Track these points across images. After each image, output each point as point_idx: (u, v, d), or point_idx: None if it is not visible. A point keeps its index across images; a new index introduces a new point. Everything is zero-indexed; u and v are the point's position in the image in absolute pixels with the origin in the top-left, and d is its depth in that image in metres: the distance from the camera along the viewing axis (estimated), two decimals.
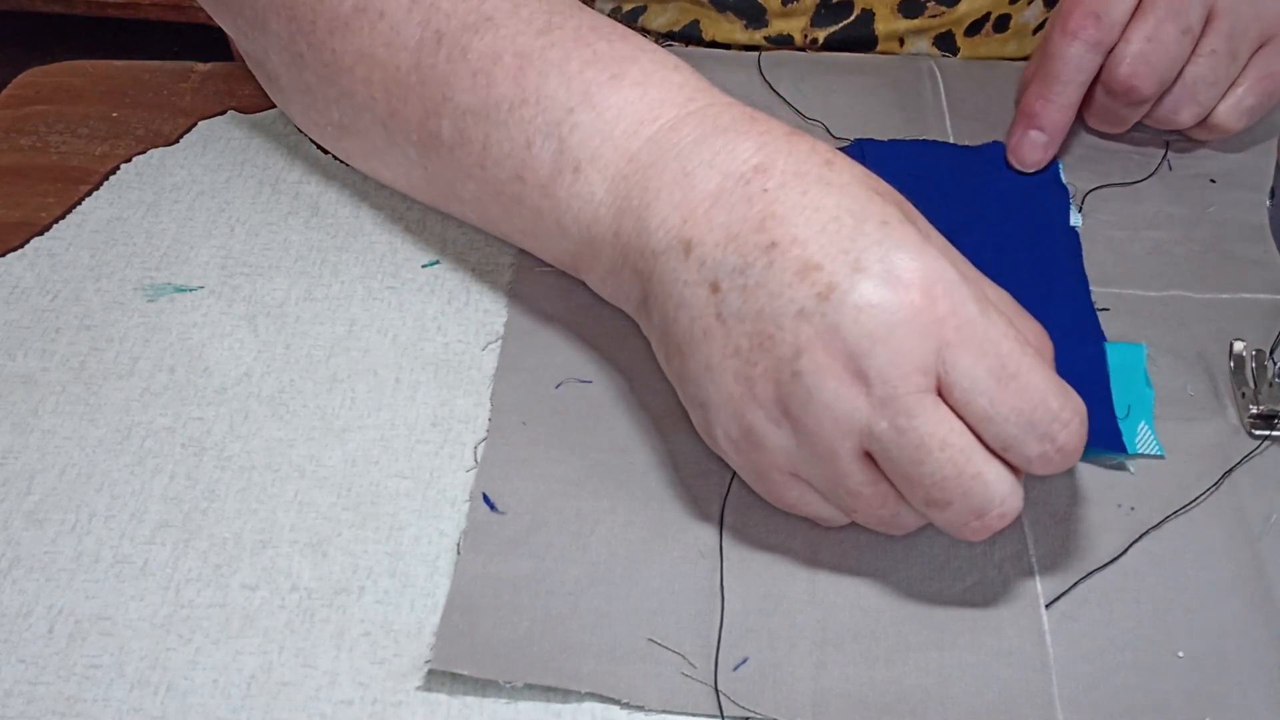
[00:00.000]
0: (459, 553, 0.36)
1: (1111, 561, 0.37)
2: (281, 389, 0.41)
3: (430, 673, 0.34)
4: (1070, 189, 0.49)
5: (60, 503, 0.38)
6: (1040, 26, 0.58)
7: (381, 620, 0.35)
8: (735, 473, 0.37)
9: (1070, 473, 0.39)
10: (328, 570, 0.36)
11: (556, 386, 0.41)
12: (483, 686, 0.34)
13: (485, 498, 0.38)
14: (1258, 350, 0.41)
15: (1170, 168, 0.50)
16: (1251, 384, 0.41)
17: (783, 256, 0.33)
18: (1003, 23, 0.58)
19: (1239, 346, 0.42)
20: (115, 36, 1.75)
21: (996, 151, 0.50)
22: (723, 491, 0.38)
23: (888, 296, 0.32)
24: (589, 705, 0.33)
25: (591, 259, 0.39)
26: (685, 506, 0.38)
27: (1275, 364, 0.40)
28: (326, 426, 0.40)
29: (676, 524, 0.37)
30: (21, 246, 0.46)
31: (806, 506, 0.36)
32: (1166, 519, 0.38)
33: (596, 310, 0.43)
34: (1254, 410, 0.40)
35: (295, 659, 0.34)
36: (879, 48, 0.58)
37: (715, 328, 0.34)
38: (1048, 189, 0.49)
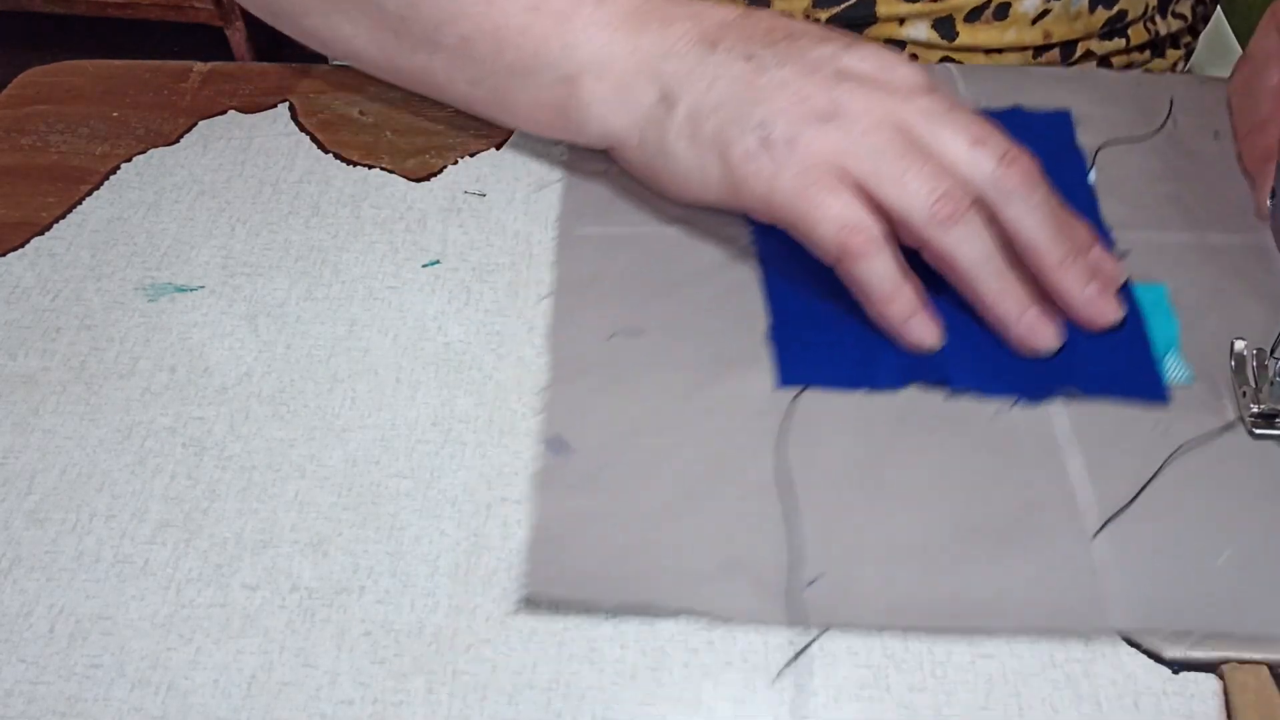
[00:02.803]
0: (534, 490, 0.38)
1: (1154, 477, 0.38)
2: (282, 389, 0.41)
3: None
4: (1082, 148, 0.49)
5: (61, 502, 0.38)
6: (1039, 17, 0.58)
7: (382, 620, 0.35)
8: (792, 408, 0.40)
9: (1108, 395, 0.41)
10: (328, 570, 0.36)
11: (609, 338, 0.42)
12: (482, 687, 0.34)
13: (554, 440, 0.39)
14: (1258, 349, 0.41)
15: (1176, 124, 0.51)
16: (1252, 383, 0.41)
17: (801, 39, 0.42)
18: (1002, 11, 0.58)
19: (1239, 345, 0.42)
20: (115, 36, 1.75)
21: (1015, 117, 0.51)
22: (781, 426, 0.40)
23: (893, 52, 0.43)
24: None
25: (597, 75, 0.44)
26: (745, 441, 0.39)
27: (1276, 363, 0.40)
28: (327, 426, 0.40)
29: (739, 458, 0.39)
30: (22, 246, 0.46)
31: (847, 213, 0.40)
32: (1199, 439, 0.39)
33: (640, 270, 0.45)
34: (1255, 409, 0.40)
35: (295, 659, 0.34)
36: (878, 30, 0.59)
37: (756, 77, 0.41)
38: (1065, 152, 0.49)
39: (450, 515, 0.38)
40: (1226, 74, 0.53)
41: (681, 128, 0.43)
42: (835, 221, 0.40)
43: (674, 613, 0.35)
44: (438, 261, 0.46)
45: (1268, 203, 0.48)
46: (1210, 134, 0.51)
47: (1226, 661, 0.34)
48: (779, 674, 0.34)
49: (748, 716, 0.33)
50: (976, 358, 0.42)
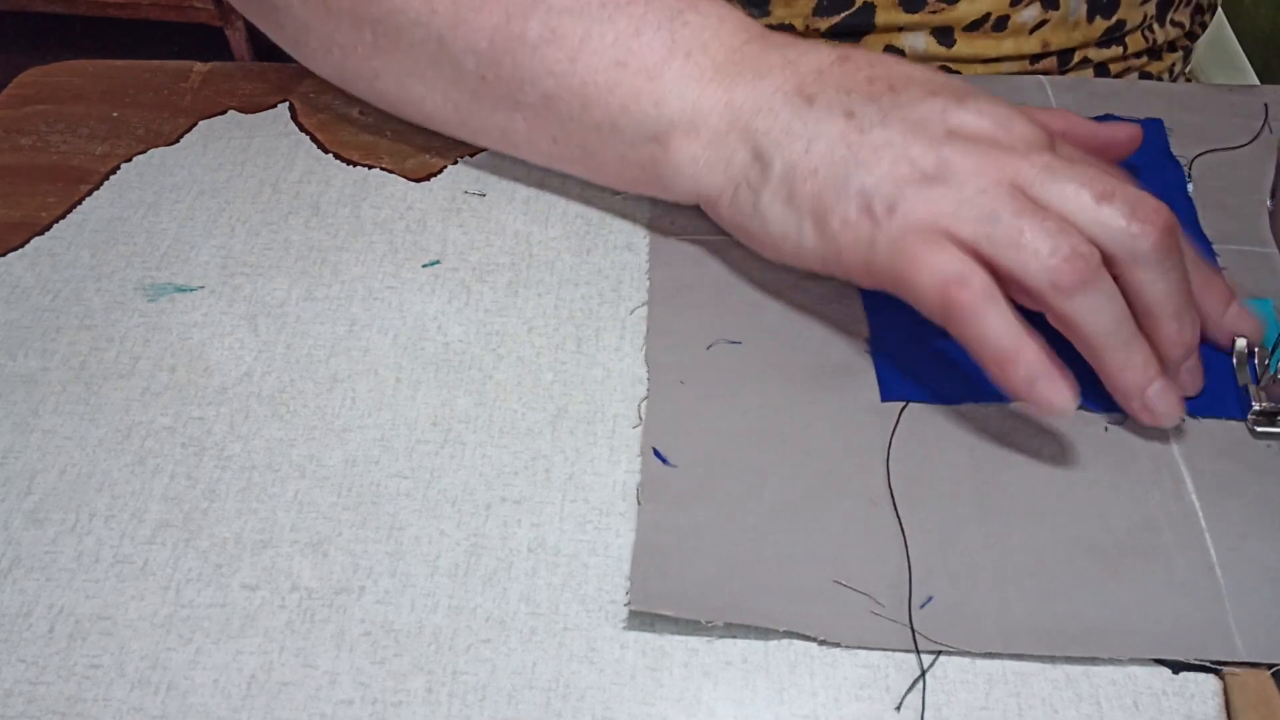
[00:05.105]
0: (639, 502, 0.37)
1: None
2: (282, 389, 0.41)
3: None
4: (1181, 159, 0.49)
5: (60, 502, 0.38)
6: (1037, 27, 0.59)
7: (381, 620, 0.35)
8: (896, 424, 0.39)
9: (1218, 416, 0.40)
10: (328, 570, 0.36)
11: (708, 347, 0.42)
12: (482, 687, 0.34)
13: (656, 451, 0.39)
14: (1259, 348, 0.41)
15: (1271, 130, 0.50)
16: (1254, 381, 0.41)
17: (906, 91, 0.39)
18: (1001, 23, 0.58)
19: (1240, 344, 0.42)
20: (115, 36, 1.75)
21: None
22: (885, 441, 0.39)
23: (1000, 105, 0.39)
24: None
25: (687, 132, 0.42)
26: (850, 457, 0.39)
27: (1276, 362, 0.40)
28: (327, 426, 0.40)
29: (844, 473, 0.38)
30: (22, 246, 0.46)
31: (951, 266, 0.36)
32: None
33: (735, 278, 0.44)
34: (1256, 408, 0.40)
35: (295, 659, 0.34)
36: (877, 38, 0.59)
37: (856, 137, 0.39)
38: (1162, 162, 0.49)
39: (450, 515, 0.38)
40: (1228, 78, 0.53)
41: (776, 190, 0.40)
42: (937, 274, 0.36)
43: (783, 633, 0.34)
44: (438, 261, 0.46)
45: (1268, 202, 0.48)
46: None
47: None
48: (900, 703, 0.33)
49: (747, 716, 0.33)
50: (1086, 372, 0.40)
